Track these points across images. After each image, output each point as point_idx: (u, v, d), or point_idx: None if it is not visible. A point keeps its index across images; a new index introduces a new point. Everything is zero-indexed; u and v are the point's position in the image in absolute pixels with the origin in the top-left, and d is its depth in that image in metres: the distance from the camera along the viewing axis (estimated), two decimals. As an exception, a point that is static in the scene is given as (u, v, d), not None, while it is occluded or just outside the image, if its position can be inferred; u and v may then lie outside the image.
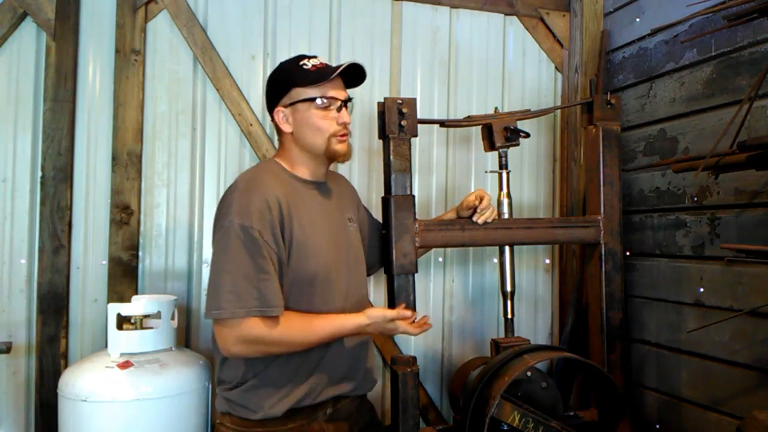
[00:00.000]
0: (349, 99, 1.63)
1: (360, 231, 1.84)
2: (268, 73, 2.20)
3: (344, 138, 1.61)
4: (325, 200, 1.66)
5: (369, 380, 1.70)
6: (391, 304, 1.86)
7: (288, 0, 2.26)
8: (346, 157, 1.63)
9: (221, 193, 2.15)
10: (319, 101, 1.56)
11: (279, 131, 1.62)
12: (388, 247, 1.86)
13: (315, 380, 1.55)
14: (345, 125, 1.59)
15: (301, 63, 1.59)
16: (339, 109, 1.58)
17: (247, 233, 1.43)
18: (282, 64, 1.64)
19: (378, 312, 1.58)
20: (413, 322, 1.63)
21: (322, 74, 1.55)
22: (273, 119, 1.62)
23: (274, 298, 1.43)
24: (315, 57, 1.61)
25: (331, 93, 1.57)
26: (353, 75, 1.62)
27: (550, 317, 2.63)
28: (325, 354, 1.56)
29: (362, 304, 1.70)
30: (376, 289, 2.36)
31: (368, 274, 2.00)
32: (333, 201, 1.69)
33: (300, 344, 1.49)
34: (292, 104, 1.58)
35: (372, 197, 2.34)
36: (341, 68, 1.55)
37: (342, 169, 2.31)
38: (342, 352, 1.59)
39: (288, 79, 1.58)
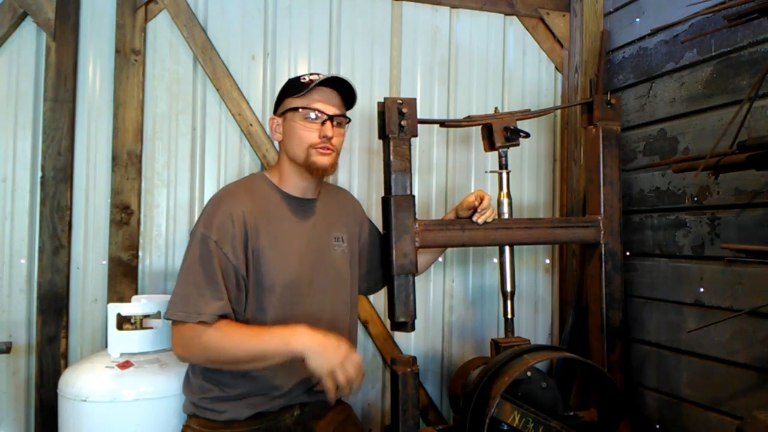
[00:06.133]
0: (341, 115, 1.64)
1: (362, 247, 1.86)
2: (269, 73, 2.24)
3: (326, 151, 1.60)
4: (306, 217, 1.67)
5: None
6: (391, 304, 1.85)
7: (288, 0, 2.26)
8: (325, 172, 1.63)
9: (221, 193, 2.17)
10: (301, 111, 1.59)
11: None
12: (388, 247, 1.86)
13: (275, 394, 1.57)
14: (327, 139, 1.59)
15: (301, 76, 1.64)
16: (323, 123, 1.59)
17: (204, 243, 1.49)
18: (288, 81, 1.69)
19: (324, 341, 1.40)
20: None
21: (308, 84, 1.59)
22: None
23: (214, 308, 1.45)
24: (318, 74, 1.63)
25: (318, 105, 1.59)
26: (352, 93, 1.65)
27: (550, 317, 2.63)
28: (282, 368, 1.54)
29: (339, 326, 1.66)
30: (376, 289, 2.36)
31: (375, 291, 2.01)
32: (317, 219, 1.69)
33: (231, 351, 1.42)
34: (282, 113, 1.64)
35: (372, 197, 2.34)
36: (321, 78, 1.58)
37: (342, 169, 2.31)
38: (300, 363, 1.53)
39: (284, 90, 1.66)
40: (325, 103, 1.61)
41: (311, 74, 1.63)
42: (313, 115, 1.59)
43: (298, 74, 1.70)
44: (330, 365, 1.38)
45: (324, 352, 1.39)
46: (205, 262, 1.47)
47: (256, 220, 1.54)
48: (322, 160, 1.60)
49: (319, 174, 1.63)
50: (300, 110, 1.59)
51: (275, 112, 1.68)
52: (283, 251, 1.57)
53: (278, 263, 1.56)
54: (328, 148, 1.60)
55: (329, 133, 1.59)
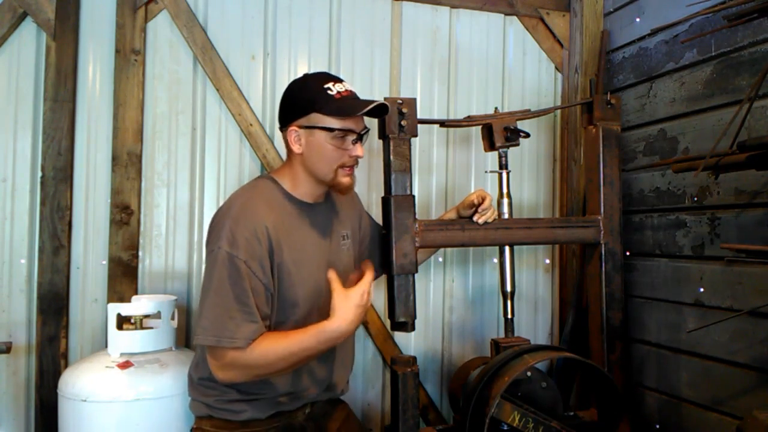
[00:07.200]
0: (366, 130, 1.59)
1: (362, 240, 1.86)
2: (269, 73, 2.23)
3: (351, 171, 1.57)
4: (320, 222, 1.64)
5: (346, 387, 1.77)
6: (392, 304, 1.86)
7: (288, 0, 2.26)
8: (348, 190, 1.60)
9: (221, 194, 2.17)
10: (338, 133, 1.51)
11: (288, 149, 1.58)
12: (388, 247, 1.86)
13: (298, 393, 1.59)
14: (356, 159, 1.56)
15: (326, 86, 1.52)
16: (354, 142, 1.54)
17: (232, 263, 1.42)
18: (306, 82, 1.56)
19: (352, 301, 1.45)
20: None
21: (347, 108, 1.50)
22: (284, 135, 1.58)
23: (247, 332, 1.42)
24: (341, 81, 1.56)
25: (350, 125, 1.52)
26: (375, 106, 1.55)
27: (550, 317, 2.63)
28: (305, 369, 1.58)
29: None
30: (376, 289, 2.36)
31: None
32: (327, 222, 1.67)
33: (284, 360, 1.43)
34: (308, 127, 1.52)
35: (372, 197, 2.34)
36: (369, 107, 1.50)
37: (342, 169, 2.31)
38: (320, 366, 1.62)
39: (310, 101, 1.51)
40: (357, 121, 1.55)
41: (336, 83, 1.54)
42: (349, 137, 1.53)
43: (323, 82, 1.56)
44: (362, 319, 1.49)
45: (358, 321, 1.46)
46: (234, 283, 1.42)
47: (278, 235, 1.50)
48: (349, 181, 1.57)
49: (343, 192, 1.61)
50: (336, 131, 1.50)
51: (293, 120, 1.54)
52: (304, 264, 1.55)
53: (301, 277, 1.54)
54: (353, 167, 1.58)
55: (360, 153, 1.55)
